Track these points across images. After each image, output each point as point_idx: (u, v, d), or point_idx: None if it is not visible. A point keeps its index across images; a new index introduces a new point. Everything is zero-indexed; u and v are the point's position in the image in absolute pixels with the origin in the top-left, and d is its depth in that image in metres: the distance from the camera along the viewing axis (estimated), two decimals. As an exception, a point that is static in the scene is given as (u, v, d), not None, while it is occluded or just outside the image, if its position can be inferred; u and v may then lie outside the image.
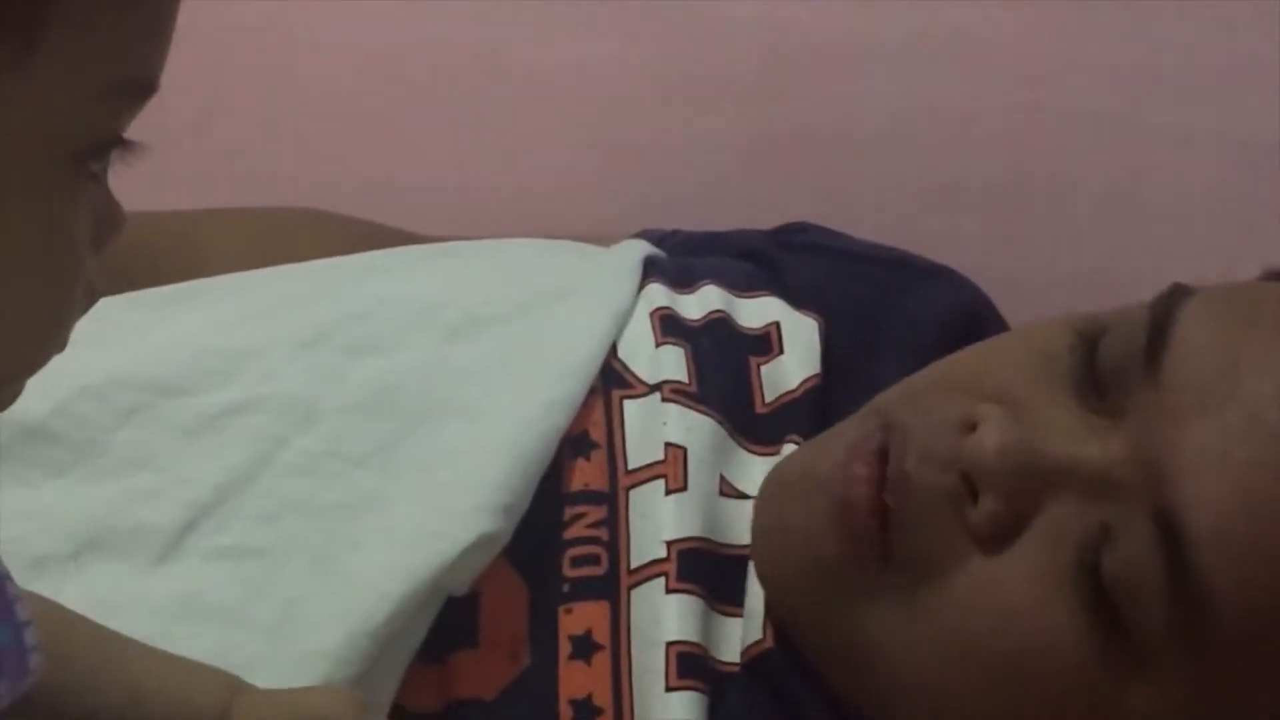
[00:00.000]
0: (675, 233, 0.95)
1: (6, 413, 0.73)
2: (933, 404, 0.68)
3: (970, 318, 0.89)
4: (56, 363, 0.75)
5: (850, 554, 0.67)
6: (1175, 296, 0.67)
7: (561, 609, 0.70)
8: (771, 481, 0.73)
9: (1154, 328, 0.65)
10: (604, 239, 0.95)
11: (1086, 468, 0.64)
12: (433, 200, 1.12)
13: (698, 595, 0.70)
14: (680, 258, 0.88)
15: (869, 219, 1.07)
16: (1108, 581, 0.63)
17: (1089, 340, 0.67)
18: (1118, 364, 0.66)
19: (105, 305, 0.80)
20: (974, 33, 1.09)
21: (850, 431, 0.70)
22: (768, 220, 1.08)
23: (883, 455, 0.67)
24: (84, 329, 0.78)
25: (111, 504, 0.70)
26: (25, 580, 0.68)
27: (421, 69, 1.15)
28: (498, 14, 1.14)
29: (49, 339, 0.49)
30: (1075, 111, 1.09)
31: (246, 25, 1.14)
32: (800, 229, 0.95)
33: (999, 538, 0.65)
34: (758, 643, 0.70)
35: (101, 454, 0.72)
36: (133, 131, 0.48)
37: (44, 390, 0.72)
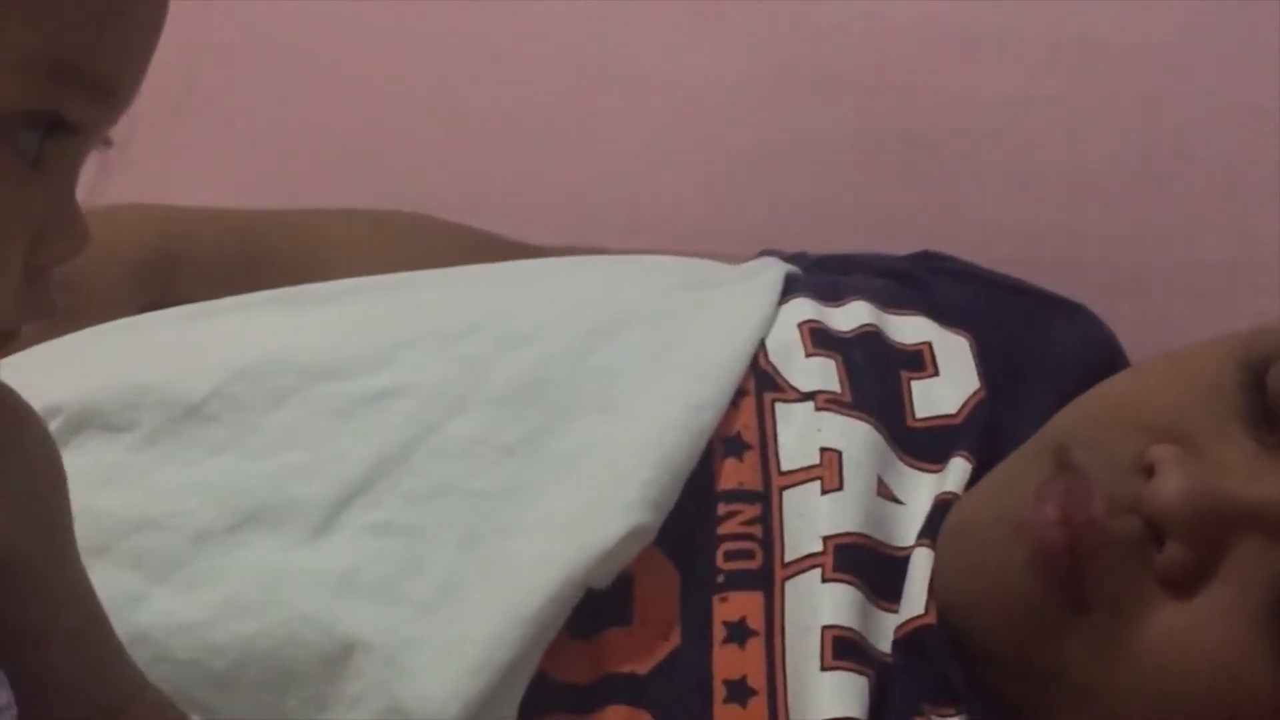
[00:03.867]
0: (801, 254, 0.97)
1: (167, 394, 0.76)
2: (1109, 442, 0.71)
3: (1106, 356, 0.92)
4: (214, 349, 0.79)
5: (1049, 598, 0.70)
6: None
7: (715, 597, 0.73)
8: (962, 520, 0.76)
9: None
10: (727, 258, 0.97)
11: (1270, 507, 0.67)
12: (543, 210, 1.15)
13: (855, 586, 0.72)
14: (821, 274, 0.90)
15: (982, 213, 1.10)
16: None
17: (1256, 370, 0.70)
18: None
19: (246, 301, 0.85)
20: (1086, 23, 1.11)
21: (1031, 472, 0.73)
22: (885, 219, 1.11)
23: (1069, 497, 0.70)
24: (233, 322, 0.82)
25: (268, 479, 0.73)
26: (189, 552, 0.71)
27: (531, 78, 1.18)
28: (605, 21, 1.17)
29: None
30: (1195, 99, 1.10)
31: (364, 32, 1.17)
32: (936, 255, 0.97)
33: (1187, 582, 0.68)
34: (918, 617, 0.73)
35: (257, 433, 0.75)
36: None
37: (202, 373, 0.75)
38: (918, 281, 0.92)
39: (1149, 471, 0.69)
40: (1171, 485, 0.67)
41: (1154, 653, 0.68)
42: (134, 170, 1.11)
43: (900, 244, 1.03)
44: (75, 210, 0.49)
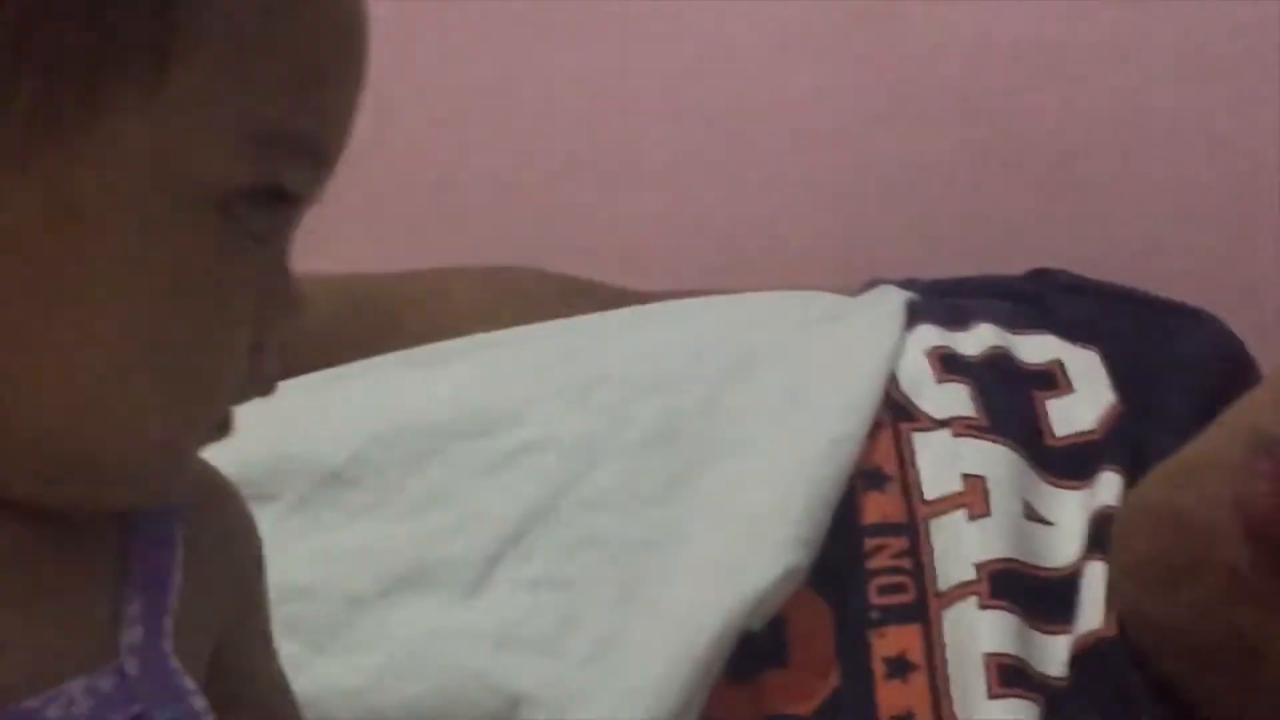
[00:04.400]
0: (913, 280, 0.97)
1: (307, 461, 0.77)
2: None
3: (1234, 358, 0.91)
4: (347, 413, 0.80)
5: (1268, 569, 0.68)
6: None
7: (873, 633, 0.72)
8: (1138, 518, 0.74)
9: None
10: (836, 289, 0.98)
11: None
12: (643, 251, 1.16)
13: (1013, 613, 0.72)
14: (939, 300, 0.90)
15: (1093, 230, 1.09)
16: None
17: None
18: None
19: (372, 365, 0.85)
20: (1190, 31, 1.10)
21: (1222, 457, 0.71)
22: (992, 239, 1.10)
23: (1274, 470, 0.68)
24: (363, 385, 0.83)
25: (417, 541, 0.74)
26: (344, 617, 0.71)
27: (627, 115, 1.19)
28: (704, 51, 1.18)
29: (194, 405, 0.47)
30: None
31: (468, 73, 1.18)
32: (1050, 272, 0.97)
33: None
34: (1095, 631, 0.73)
35: (399, 495, 0.76)
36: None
37: (337, 440, 0.76)
38: (1037, 300, 0.92)
39: None
40: None
41: None
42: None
43: (1009, 264, 1.03)
44: (293, 281, 0.49)
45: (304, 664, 0.70)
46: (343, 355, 0.88)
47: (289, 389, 0.84)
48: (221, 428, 0.49)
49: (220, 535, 0.53)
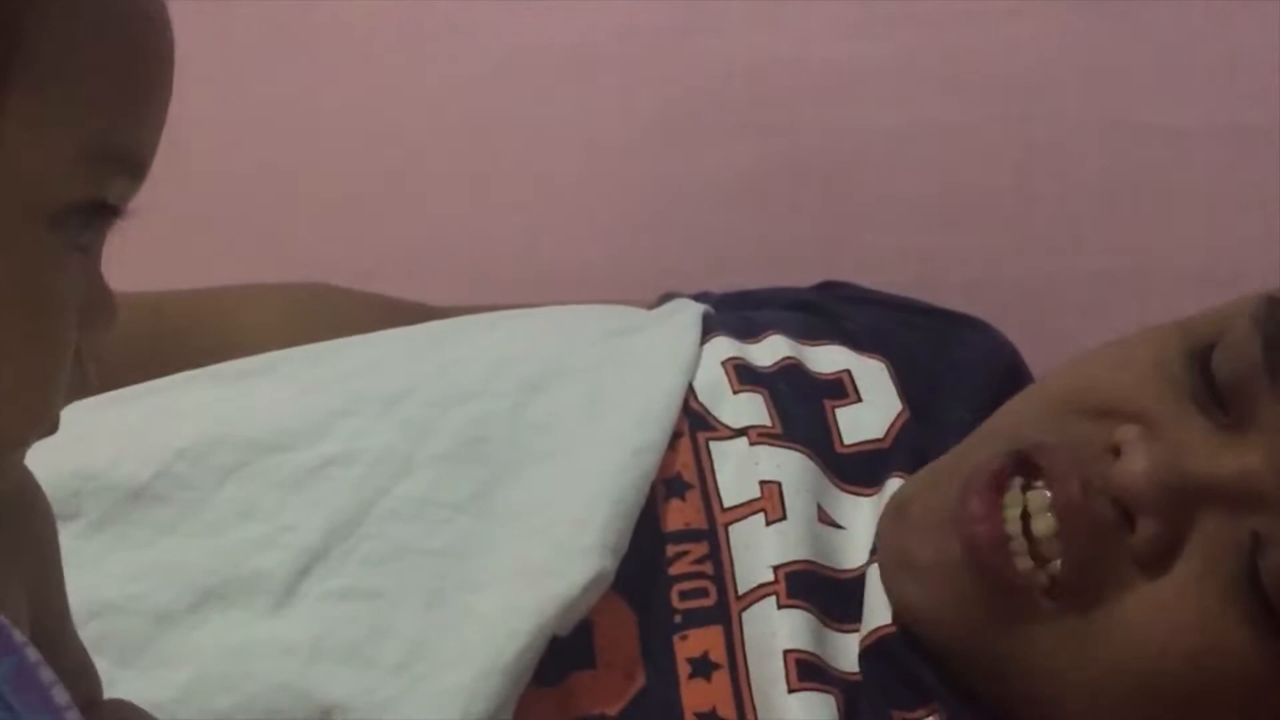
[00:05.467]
0: (705, 294, 1.01)
1: (109, 479, 0.77)
2: (1070, 427, 0.75)
3: (1011, 365, 0.96)
4: (151, 430, 0.80)
5: (991, 589, 0.73)
6: (1275, 308, 0.73)
7: (676, 636, 0.75)
8: (895, 513, 0.80)
9: (1270, 344, 0.72)
10: (630, 303, 1.00)
11: (1231, 482, 0.71)
12: (439, 269, 1.17)
13: (809, 611, 0.75)
14: (733, 312, 0.94)
15: (876, 241, 1.14)
16: (1267, 587, 0.70)
17: (1199, 355, 0.74)
18: (1236, 377, 0.73)
19: (172, 382, 0.85)
20: (963, 49, 1.16)
21: (968, 460, 0.76)
22: (780, 251, 1.14)
23: (999, 485, 0.74)
24: (164, 402, 0.83)
25: (225, 555, 0.75)
26: (152, 633, 0.71)
27: (420, 134, 1.20)
28: (493, 73, 1.20)
29: (27, 412, 0.49)
30: (1067, 118, 1.16)
31: (247, 96, 1.19)
32: (838, 284, 1.01)
33: (1159, 559, 0.72)
34: (880, 628, 0.77)
35: (206, 510, 0.76)
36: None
37: (142, 456, 0.76)
38: (826, 311, 0.96)
39: (1114, 453, 0.72)
40: (1141, 464, 0.71)
41: (1131, 630, 0.71)
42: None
43: (797, 276, 1.07)
44: (108, 288, 0.50)
45: (112, 680, 0.70)
46: (130, 374, 0.88)
47: (81, 408, 0.84)
48: (50, 428, 0.51)
49: (15, 499, 0.55)
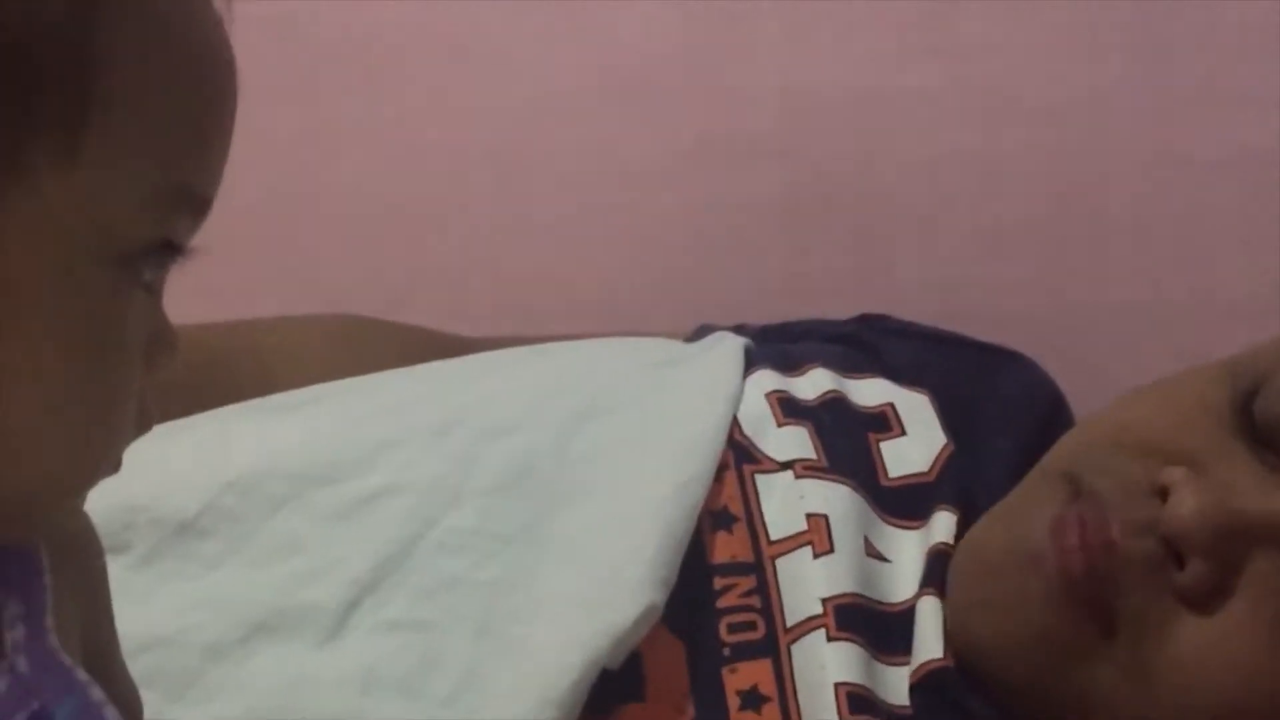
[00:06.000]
0: (742, 326, 1.01)
1: (158, 512, 0.78)
2: (1118, 467, 0.76)
3: (1052, 399, 0.97)
4: (199, 464, 0.80)
5: (1072, 625, 0.74)
6: None
7: (725, 669, 0.76)
8: (970, 556, 0.80)
9: None
10: (666, 335, 1.01)
11: None
12: (473, 298, 1.18)
13: (858, 644, 0.76)
14: (776, 344, 0.94)
15: (911, 272, 1.15)
16: None
17: (1245, 395, 0.75)
18: None
19: (219, 415, 0.86)
20: (998, 79, 1.16)
21: (1041, 503, 0.77)
22: (814, 282, 1.14)
23: (1084, 523, 0.74)
24: (211, 435, 0.83)
25: (274, 588, 0.75)
26: (202, 666, 0.72)
27: (453, 163, 1.21)
28: (524, 102, 1.21)
29: (97, 453, 0.49)
30: (1104, 149, 1.16)
31: (281, 122, 1.19)
32: (877, 317, 1.01)
33: (1208, 599, 0.72)
34: (933, 661, 0.77)
35: (255, 543, 0.77)
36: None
37: (190, 490, 0.77)
38: (867, 344, 0.96)
39: (1162, 494, 0.73)
40: (1189, 505, 0.72)
41: (1182, 669, 0.72)
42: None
43: (832, 307, 1.08)
44: (170, 325, 0.51)
45: (162, 714, 0.71)
46: (169, 407, 0.88)
47: (128, 440, 0.85)
48: (115, 466, 0.51)
49: (69, 535, 0.55)
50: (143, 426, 0.51)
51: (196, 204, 0.49)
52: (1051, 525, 0.75)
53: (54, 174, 0.44)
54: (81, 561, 0.57)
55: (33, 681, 0.50)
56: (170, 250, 0.49)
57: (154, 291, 0.50)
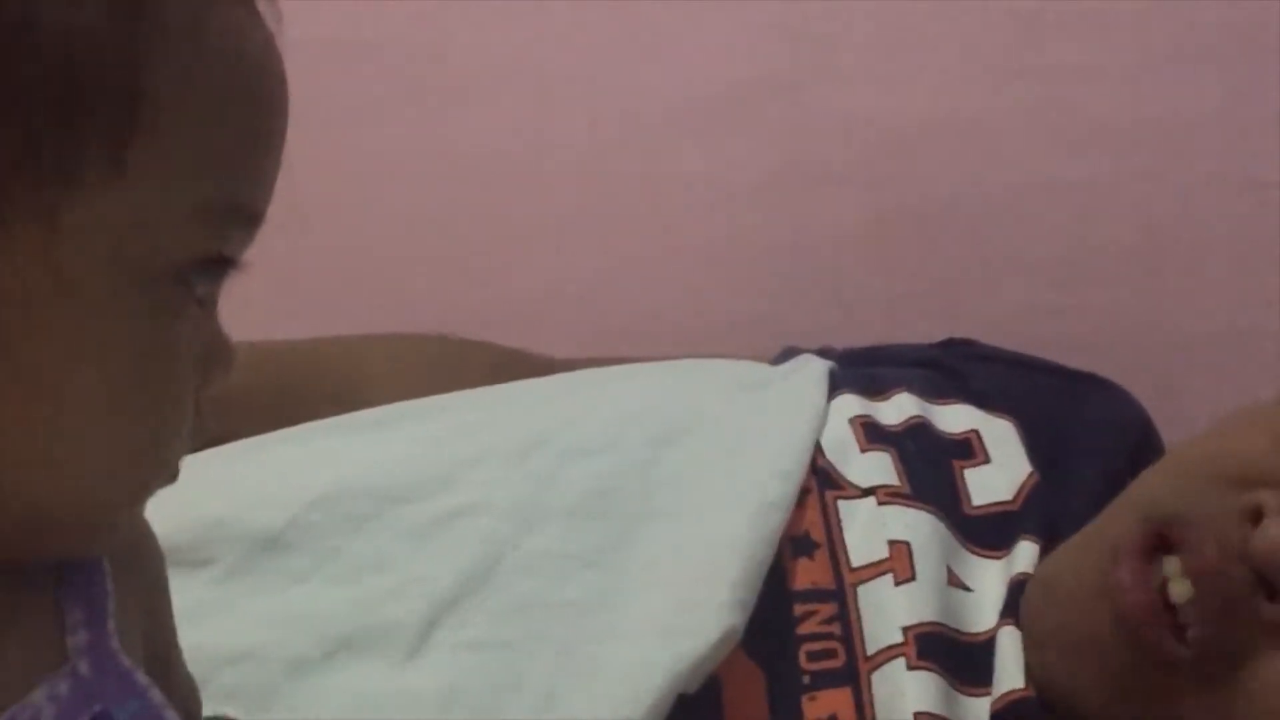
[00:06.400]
0: (828, 349, 1.00)
1: (243, 527, 0.78)
2: (1208, 496, 0.74)
3: (1141, 427, 0.96)
4: (284, 480, 0.81)
5: (1143, 658, 0.73)
6: None
7: (804, 698, 0.75)
8: (1043, 588, 0.79)
9: None
10: (751, 357, 1.01)
11: None
12: (559, 320, 1.18)
13: (938, 674, 0.75)
14: (861, 368, 0.94)
15: (998, 298, 1.14)
16: None
17: None
18: None
19: (303, 431, 0.86)
20: (1087, 104, 1.15)
21: (1113, 532, 0.76)
22: (900, 307, 1.14)
23: (1147, 554, 0.73)
24: (296, 452, 0.84)
25: (357, 605, 0.75)
26: (285, 681, 0.72)
27: (542, 185, 1.22)
28: (611, 127, 1.21)
29: (147, 466, 0.49)
30: (1194, 174, 1.15)
31: (373, 147, 1.20)
32: (963, 342, 1.00)
33: None
34: (1013, 692, 0.76)
35: (338, 560, 0.77)
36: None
37: (275, 505, 0.77)
38: (952, 370, 0.96)
39: (1254, 520, 0.72)
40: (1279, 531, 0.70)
41: (1271, 700, 0.70)
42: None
43: (918, 332, 1.07)
44: (225, 337, 0.51)
45: (245, 727, 0.71)
46: (255, 423, 0.89)
47: (212, 457, 0.86)
48: (171, 477, 0.52)
49: (129, 541, 0.55)
50: (200, 435, 0.51)
51: (247, 218, 0.49)
52: (1111, 557, 0.74)
53: (103, 188, 0.45)
54: (141, 564, 0.57)
55: (95, 685, 0.51)
56: (223, 264, 0.49)
57: (207, 305, 0.50)
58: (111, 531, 0.52)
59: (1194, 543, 0.73)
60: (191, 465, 0.85)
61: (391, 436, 0.85)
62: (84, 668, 0.51)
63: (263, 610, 0.75)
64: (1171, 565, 0.73)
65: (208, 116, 0.47)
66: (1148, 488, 0.79)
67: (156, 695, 0.52)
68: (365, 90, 1.23)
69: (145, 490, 0.51)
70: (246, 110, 0.48)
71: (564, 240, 1.22)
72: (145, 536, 0.58)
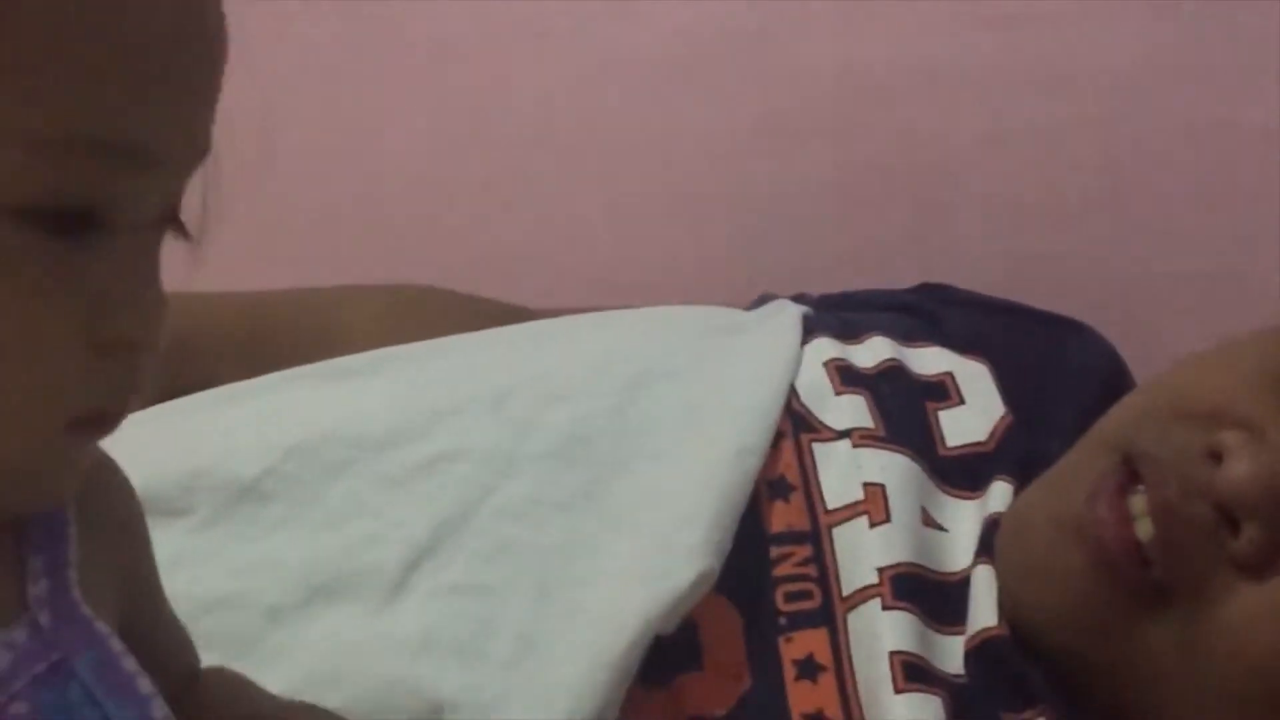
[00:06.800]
0: (802, 295, 1.01)
1: (220, 476, 0.79)
2: (1174, 433, 0.75)
3: (1114, 369, 0.96)
4: (260, 428, 0.81)
5: (1115, 595, 0.74)
6: None
7: (781, 638, 0.76)
8: (1015, 525, 0.80)
9: None
10: (726, 305, 1.01)
11: None
12: (533, 274, 1.19)
13: (913, 614, 0.76)
14: (835, 313, 0.94)
15: (969, 243, 1.14)
16: None
17: None
18: None
19: (280, 379, 0.87)
20: (1053, 50, 1.16)
21: (1087, 468, 0.77)
22: (872, 254, 1.14)
23: (1123, 491, 0.74)
24: (272, 400, 0.84)
25: (335, 551, 0.76)
26: (263, 629, 0.72)
27: (513, 142, 1.22)
28: (583, 81, 1.21)
29: (36, 416, 0.47)
30: (1157, 118, 1.15)
31: (353, 93, 1.20)
32: (938, 287, 1.01)
33: (1264, 564, 0.71)
34: (987, 629, 0.77)
35: (316, 507, 0.77)
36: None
37: (251, 454, 0.78)
38: (926, 313, 0.96)
39: (1217, 458, 0.72)
40: (1244, 468, 0.71)
41: (1237, 634, 0.71)
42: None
43: (890, 279, 1.08)
44: (140, 289, 0.48)
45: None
46: (230, 371, 0.89)
47: (189, 406, 0.86)
48: (92, 425, 0.49)
49: (101, 490, 0.55)
50: (119, 391, 0.48)
51: (126, 159, 0.45)
52: (1089, 494, 0.74)
53: None
54: (113, 514, 0.57)
55: (53, 634, 0.50)
56: (109, 206, 0.46)
57: (99, 247, 0.46)
58: (52, 483, 0.50)
59: (1157, 481, 0.73)
60: (168, 415, 0.86)
61: (368, 385, 0.85)
62: (44, 618, 0.51)
63: (240, 558, 0.76)
64: (1138, 503, 0.74)
65: (39, 48, 0.43)
66: (1116, 423, 0.79)
67: (116, 644, 0.52)
68: (354, 42, 1.23)
69: (39, 440, 0.48)
70: (105, 40, 0.44)
71: (539, 193, 1.22)
72: (115, 486, 0.58)
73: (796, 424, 0.84)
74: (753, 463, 0.80)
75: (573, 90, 1.21)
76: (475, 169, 1.22)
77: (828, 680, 0.74)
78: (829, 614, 0.76)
